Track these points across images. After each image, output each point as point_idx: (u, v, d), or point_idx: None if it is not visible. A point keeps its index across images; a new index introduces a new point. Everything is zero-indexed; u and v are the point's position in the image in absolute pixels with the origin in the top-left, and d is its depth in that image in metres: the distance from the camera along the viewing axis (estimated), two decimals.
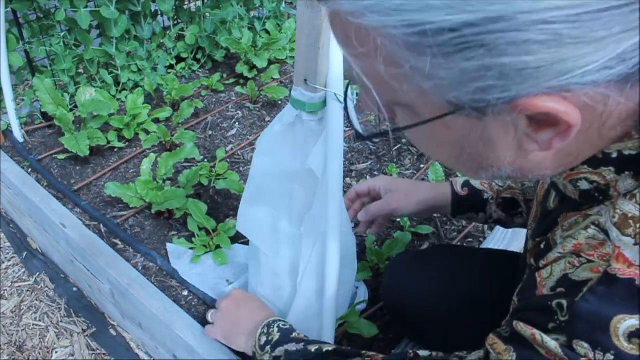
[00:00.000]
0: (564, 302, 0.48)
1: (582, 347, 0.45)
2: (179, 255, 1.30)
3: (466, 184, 1.02)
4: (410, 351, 0.73)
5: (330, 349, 0.83)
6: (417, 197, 1.03)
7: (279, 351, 0.87)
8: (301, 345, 0.86)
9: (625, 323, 0.43)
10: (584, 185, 0.52)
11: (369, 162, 1.69)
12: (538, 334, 0.49)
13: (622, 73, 0.37)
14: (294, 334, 0.91)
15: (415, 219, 1.47)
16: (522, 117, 0.42)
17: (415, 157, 1.72)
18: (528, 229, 0.73)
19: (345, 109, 0.58)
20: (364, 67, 0.44)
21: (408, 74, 0.41)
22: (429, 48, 0.38)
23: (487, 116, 0.42)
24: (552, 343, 0.48)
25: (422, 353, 0.73)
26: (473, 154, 0.48)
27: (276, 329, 0.91)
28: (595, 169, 0.50)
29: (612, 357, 0.44)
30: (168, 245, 1.32)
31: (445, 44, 0.37)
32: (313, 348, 0.84)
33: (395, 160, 1.70)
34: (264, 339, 0.91)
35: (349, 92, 0.58)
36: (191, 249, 1.31)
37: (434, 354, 0.73)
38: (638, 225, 0.45)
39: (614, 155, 0.48)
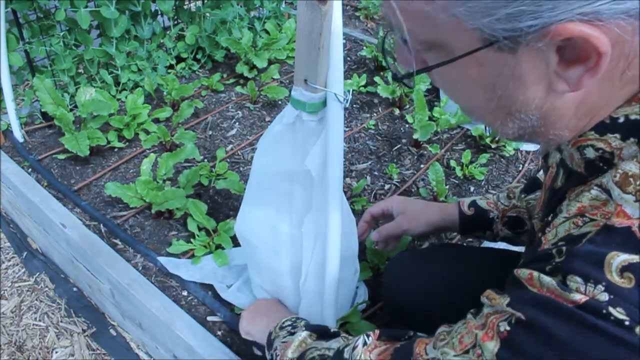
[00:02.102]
0: (564, 248, 0.49)
1: (575, 281, 0.46)
2: (176, 265, 1.28)
3: (472, 204, 1.05)
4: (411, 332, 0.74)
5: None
6: (426, 219, 1.07)
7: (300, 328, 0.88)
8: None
9: (618, 258, 0.44)
10: (590, 153, 0.53)
11: (369, 162, 1.69)
12: (535, 273, 0.50)
13: None
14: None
15: None
16: (553, 51, 0.43)
17: (415, 157, 1.72)
18: (534, 218, 0.74)
19: (382, 52, 0.60)
20: (401, 4, 0.46)
21: (443, 2, 0.43)
22: None
23: (519, 49, 0.44)
24: (547, 278, 0.49)
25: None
26: (503, 97, 0.49)
27: (303, 322, 0.92)
28: (601, 135, 0.51)
29: (603, 289, 0.45)
30: (160, 258, 1.29)
31: None
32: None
33: (395, 160, 1.70)
34: (287, 323, 0.92)
35: (386, 38, 0.61)
36: (190, 250, 1.31)
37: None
38: (638, 182, 0.46)
39: (621, 119, 0.49)
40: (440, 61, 0.49)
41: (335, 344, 0.80)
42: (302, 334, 0.85)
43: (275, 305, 1.09)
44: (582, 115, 0.51)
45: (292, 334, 0.87)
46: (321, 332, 0.86)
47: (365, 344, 0.73)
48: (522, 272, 0.53)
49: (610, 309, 0.44)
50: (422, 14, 0.46)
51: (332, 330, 0.86)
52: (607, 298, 0.44)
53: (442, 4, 0.44)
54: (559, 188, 0.62)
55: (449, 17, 0.44)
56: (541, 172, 1.01)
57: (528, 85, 0.47)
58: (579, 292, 0.46)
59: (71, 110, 1.68)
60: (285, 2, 2.45)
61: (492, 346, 0.52)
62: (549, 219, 0.59)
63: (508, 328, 0.51)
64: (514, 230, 1.01)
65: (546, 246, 0.53)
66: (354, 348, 0.73)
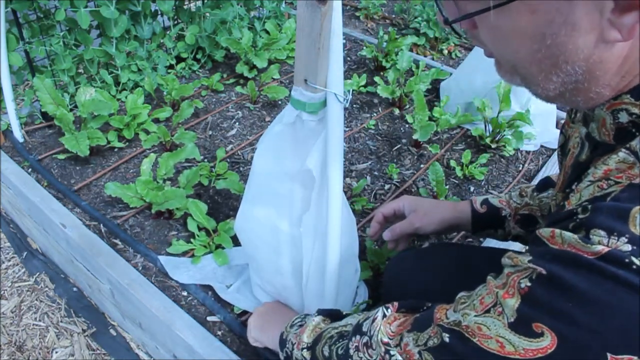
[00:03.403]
0: (588, 205, 0.49)
1: (598, 235, 0.47)
2: (175, 265, 1.28)
3: (485, 202, 1.05)
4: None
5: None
6: (439, 216, 1.06)
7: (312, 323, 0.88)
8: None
9: None
10: (623, 117, 0.53)
11: (369, 162, 1.69)
12: (557, 231, 0.51)
13: None
14: None
15: None
16: None
17: (415, 157, 1.72)
18: (552, 199, 0.75)
19: (437, 5, 0.59)
20: None
21: None
22: None
23: None
24: (568, 234, 0.49)
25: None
26: (552, 46, 0.49)
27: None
28: (637, 99, 0.52)
29: (626, 240, 0.45)
30: (160, 257, 1.29)
31: None
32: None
33: (395, 160, 1.70)
34: (297, 320, 0.93)
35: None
36: (190, 250, 1.31)
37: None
38: None
39: None
40: (489, 5, 0.49)
41: (352, 319, 0.80)
42: (316, 319, 0.86)
43: (280, 308, 1.09)
44: (624, 73, 0.51)
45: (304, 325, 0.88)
46: (335, 316, 0.86)
47: (384, 316, 0.73)
48: (544, 231, 0.53)
49: (633, 259, 0.44)
50: None
51: (344, 312, 0.87)
52: (629, 248, 0.44)
53: None
54: (584, 160, 0.62)
55: None
56: (555, 173, 1.01)
57: (580, 34, 0.47)
58: (601, 244, 0.46)
59: (71, 110, 1.68)
60: (285, 2, 2.45)
61: (513, 302, 0.52)
62: (573, 187, 0.58)
63: (529, 284, 0.51)
64: (527, 228, 1.01)
65: (570, 207, 0.53)
66: (373, 320, 0.73)
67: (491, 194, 1.09)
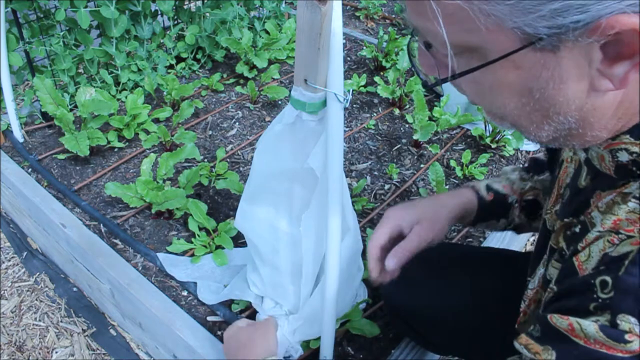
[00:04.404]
0: (608, 279, 0.45)
1: (628, 321, 0.43)
2: (173, 262, 1.28)
3: (489, 188, 0.94)
4: None
5: None
6: (447, 216, 0.90)
7: None
8: None
9: None
10: (623, 157, 0.51)
11: (369, 162, 1.69)
12: (575, 322, 0.46)
13: None
14: None
15: None
16: (597, 48, 0.41)
17: (415, 157, 1.72)
18: (546, 213, 0.71)
19: (409, 56, 0.57)
20: (438, 4, 0.43)
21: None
22: None
23: (561, 48, 0.42)
24: (590, 328, 0.45)
25: None
26: (541, 100, 0.47)
27: None
28: (637, 139, 0.50)
29: None
30: (159, 254, 1.30)
31: None
32: None
33: (395, 160, 1.70)
34: None
35: (411, 45, 0.57)
36: (190, 249, 1.31)
37: None
38: None
39: None
40: (473, 66, 0.46)
41: None
42: None
43: (255, 334, 1.03)
44: (621, 115, 0.49)
45: None
46: None
47: None
48: (560, 321, 0.48)
49: None
50: (458, 14, 0.43)
51: None
52: None
53: (482, 1, 0.41)
54: (583, 188, 0.59)
55: (488, 16, 0.42)
56: (539, 155, 0.97)
57: (569, 86, 0.45)
58: (634, 334, 0.41)
59: (71, 110, 1.68)
60: (285, 2, 2.45)
61: None
62: (577, 230, 0.55)
63: None
64: (529, 215, 0.94)
65: (584, 273, 0.49)
66: None
67: (493, 179, 0.98)
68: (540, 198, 0.94)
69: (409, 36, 0.56)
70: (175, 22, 2.02)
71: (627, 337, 0.42)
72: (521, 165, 0.99)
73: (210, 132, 1.77)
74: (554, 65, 0.44)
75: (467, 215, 0.93)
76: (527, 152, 1.76)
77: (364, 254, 1.29)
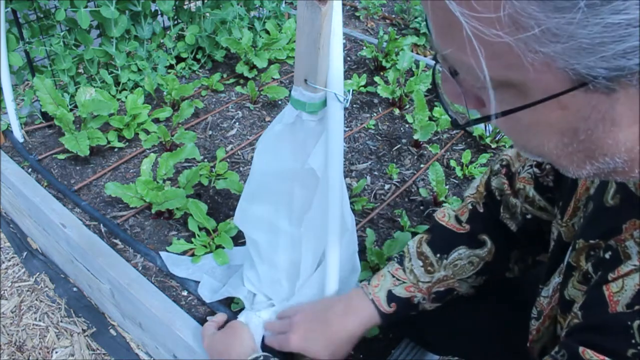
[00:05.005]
0: None
1: None
2: (175, 262, 1.28)
3: (391, 298, 0.89)
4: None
5: None
6: (347, 344, 0.90)
7: None
8: None
9: None
10: None
11: (369, 162, 1.69)
12: None
13: None
14: None
15: (416, 219, 1.48)
16: None
17: (415, 157, 1.72)
18: (562, 225, 0.68)
19: (434, 85, 0.51)
20: (478, 33, 0.37)
21: (536, 37, 0.35)
22: (569, 0, 0.32)
23: (618, 90, 0.37)
24: None
25: None
26: (586, 142, 0.42)
27: None
28: None
29: None
30: (162, 253, 1.30)
31: None
32: None
33: (395, 160, 1.70)
34: None
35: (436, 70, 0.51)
36: (190, 249, 1.31)
37: None
38: None
39: None
40: (513, 105, 0.41)
41: None
42: None
43: (228, 340, 1.00)
44: None
45: None
46: None
47: None
48: (593, 359, 0.45)
49: None
50: (501, 48, 0.37)
51: None
52: None
53: (533, 40, 0.35)
54: (610, 207, 0.55)
55: (536, 53, 0.36)
56: (450, 220, 0.91)
57: (621, 129, 0.40)
58: None
59: (71, 110, 1.68)
60: (285, 2, 2.45)
61: None
62: (607, 256, 0.52)
63: None
64: (444, 299, 0.90)
65: (617, 308, 0.46)
66: None
67: (395, 277, 0.91)
68: (453, 286, 0.88)
69: (434, 62, 0.50)
70: (175, 22, 2.02)
71: None
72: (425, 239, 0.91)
73: (210, 132, 1.77)
74: (606, 108, 0.39)
75: (369, 329, 0.91)
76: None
77: (363, 254, 1.29)
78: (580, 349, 0.47)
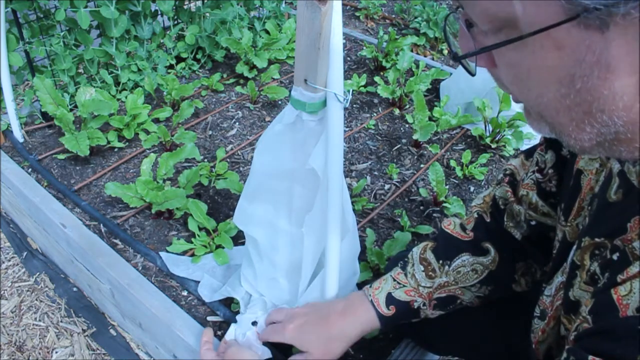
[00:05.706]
0: None
1: None
2: (175, 262, 1.28)
3: (390, 300, 0.89)
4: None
5: None
6: (341, 343, 0.89)
7: None
8: None
9: None
10: None
11: (369, 162, 1.69)
12: None
13: None
14: None
15: (415, 219, 1.48)
16: None
17: (415, 157, 1.72)
18: (565, 225, 0.68)
19: (444, 32, 0.53)
20: None
21: None
22: None
23: (610, 26, 0.37)
24: None
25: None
26: (583, 92, 0.42)
27: None
28: None
29: None
30: (162, 254, 1.30)
31: None
32: None
33: (395, 160, 1.70)
34: None
35: (448, 19, 0.53)
36: (190, 249, 1.31)
37: None
38: None
39: None
40: (505, 39, 0.42)
41: None
42: None
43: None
44: None
45: None
46: None
47: None
48: None
49: None
50: None
51: None
52: None
53: None
54: (614, 202, 0.55)
55: None
56: (455, 227, 0.91)
57: (617, 76, 0.39)
58: None
59: (71, 110, 1.68)
60: (285, 2, 2.45)
61: None
62: (607, 243, 0.52)
63: None
64: (447, 308, 0.90)
65: (628, 312, 0.45)
66: None
67: (396, 281, 0.91)
68: (455, 293, 0.88)
69: (450, 11, 0.52)
70: (175, 22, 2.02)
71: None
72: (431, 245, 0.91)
73: (210, 132, 1.77)
74: (601, 48, 0.38)
75: (367, 333, 0.91)
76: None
77: (363, 254, 1.29)
78: (590, 357, 0.46)
